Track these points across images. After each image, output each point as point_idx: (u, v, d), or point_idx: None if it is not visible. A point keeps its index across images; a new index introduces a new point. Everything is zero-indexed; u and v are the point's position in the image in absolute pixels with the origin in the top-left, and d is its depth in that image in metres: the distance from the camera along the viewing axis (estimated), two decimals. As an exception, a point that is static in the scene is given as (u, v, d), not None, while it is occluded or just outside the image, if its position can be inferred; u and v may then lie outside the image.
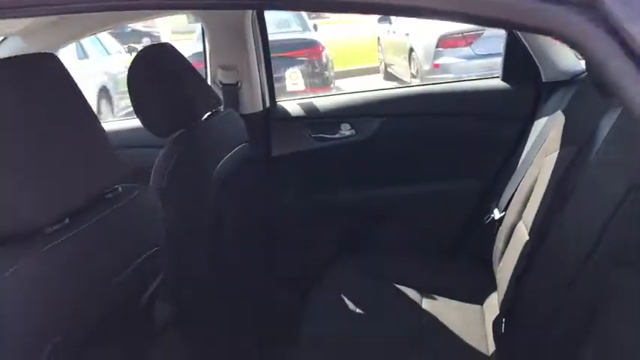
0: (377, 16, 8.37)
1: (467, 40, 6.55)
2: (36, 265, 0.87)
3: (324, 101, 2.21)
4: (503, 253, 1.63)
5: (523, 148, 1.93)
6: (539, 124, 1.89)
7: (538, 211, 1.40)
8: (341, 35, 11.20)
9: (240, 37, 2.06)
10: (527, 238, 1.40)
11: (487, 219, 1.82)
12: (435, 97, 2.14)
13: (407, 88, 2.34)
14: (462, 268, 1.96)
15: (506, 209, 1.72)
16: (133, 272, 1.07)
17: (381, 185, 2.15)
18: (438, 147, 2.10)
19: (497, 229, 1.73)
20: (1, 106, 0.89)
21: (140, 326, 1.23)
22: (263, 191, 2.06)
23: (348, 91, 2.26)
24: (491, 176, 2.07)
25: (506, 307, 1.39)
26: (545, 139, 1.65)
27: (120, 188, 1.08)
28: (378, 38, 9.20)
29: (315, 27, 8.01)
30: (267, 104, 2.16)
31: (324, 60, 7.18)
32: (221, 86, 2.09)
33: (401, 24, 7.80)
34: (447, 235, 2.14)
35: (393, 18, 7.67)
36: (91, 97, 6.54)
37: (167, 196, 1.52)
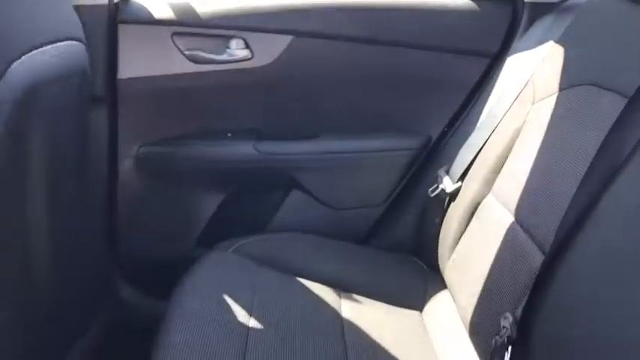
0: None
1: None
2: None
3: (207, 4, 1.48)
4: (458, 240, 1.19)
5: (488, 94, 1.41)
6: (514, 62, 1.38)
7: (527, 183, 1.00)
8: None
9: None
10: (512, 220, 1.00)
11: (433, 190, 1.34)
12: (372, 14, 1.48)
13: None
14: (391, 257, 1.42)
15: (462, 178, 1.26)
16: None
17: (281, 136, 1.50)
18: (368, 86, 1.48)
19: (448, 205, 1.28)
20: None
21: None
22: (97, 130, 1.35)
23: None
24: (439, 132, 1.51)
25: (511, 332, 0.87)
26: (527, 80, 1.19)
27: None
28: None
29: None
30: (117, -5, 1.39)
31: None
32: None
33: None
34: (370, 213, 1.55)
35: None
36: None
37: None
